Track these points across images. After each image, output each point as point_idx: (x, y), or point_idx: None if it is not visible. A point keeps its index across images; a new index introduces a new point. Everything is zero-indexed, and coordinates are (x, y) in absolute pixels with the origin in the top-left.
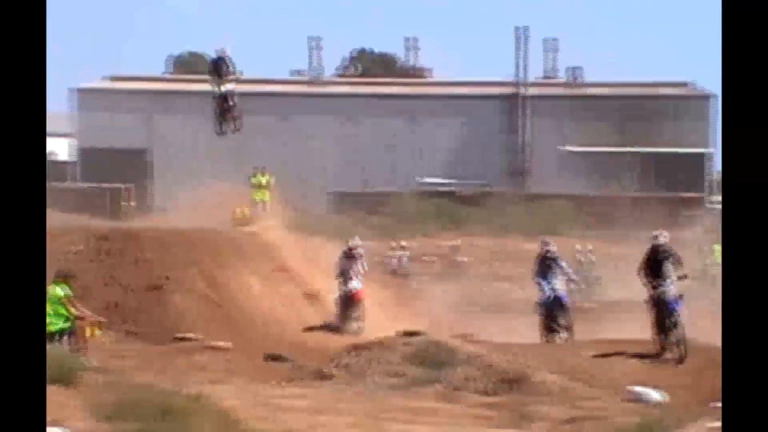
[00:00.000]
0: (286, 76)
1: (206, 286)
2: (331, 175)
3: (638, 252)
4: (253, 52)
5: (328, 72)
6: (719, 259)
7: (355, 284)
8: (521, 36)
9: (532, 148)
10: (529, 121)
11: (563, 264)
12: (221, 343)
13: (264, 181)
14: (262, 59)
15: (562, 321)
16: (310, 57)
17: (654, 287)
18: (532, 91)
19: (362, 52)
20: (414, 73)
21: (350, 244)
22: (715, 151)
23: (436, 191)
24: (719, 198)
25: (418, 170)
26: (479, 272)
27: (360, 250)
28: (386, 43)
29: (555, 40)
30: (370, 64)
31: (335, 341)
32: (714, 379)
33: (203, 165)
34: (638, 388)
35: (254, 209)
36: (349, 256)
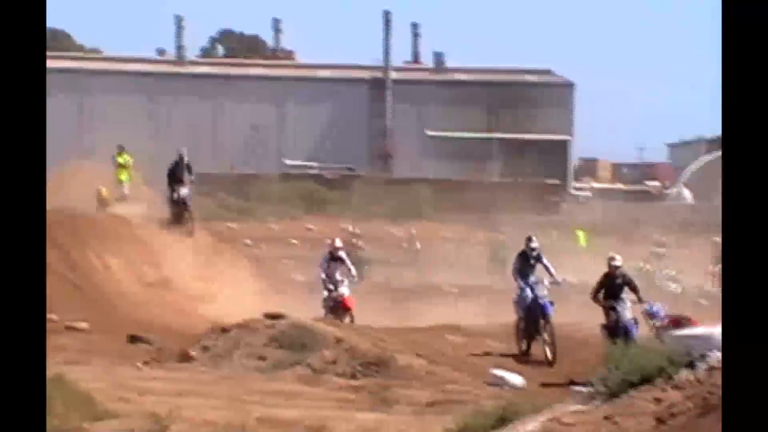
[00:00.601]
0: (152, 56)
1: (66, 267)
2: (196, 156)
3: (497, 236)
4: (118, 29)
5: (194, 52)
6: (583, 243)
7: (343, 290)
8: (387, 20)
9: (397, 133)
10: (394, 106)
11: (546, 262)
12: (81, 324)
13: (122, 161)
14: (127, 38)
15: (544, 332)
16: (177, 36)
17: (611, 309)
18: (398, 75)
19: (228, 33)
20: (280, 55)
21: (336, 244)
22: (575, 138)
23: (302, 174)
24: (580, 185)
25: (284, 153)
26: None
27: (342, 253)
28: (253, 24)
29: (419, 25)
30: (236, 45)
31: (199, 324)
32: (573, 365)
33: (70, 143)
34: (500, 372)
35: (118, 189)
36: (335, 258)
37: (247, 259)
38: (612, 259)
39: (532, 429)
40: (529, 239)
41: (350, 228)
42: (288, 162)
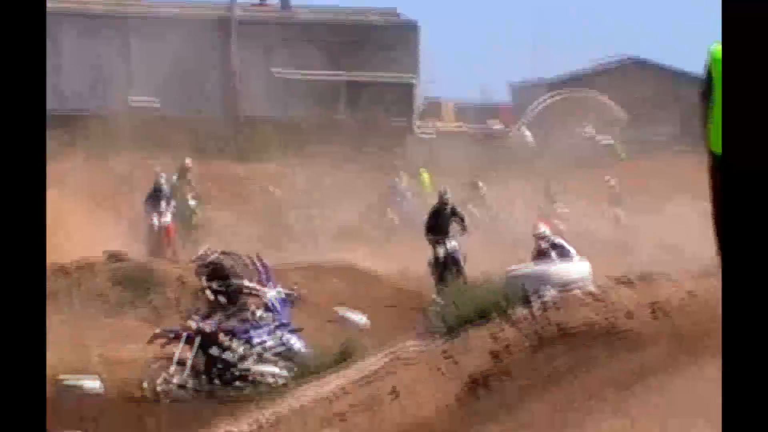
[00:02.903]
0: None
1: None
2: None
3: (345, 176)
4: None
5: None
6: (426, 185)
7: (166, 220)
8: None
9: (244, 73)
10: (241, 45)
11: (461, 213)
12: None
13: None
14: None
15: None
16: None
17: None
18: (244, 15)
19: None
20: None
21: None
22: (421, 78)
23: (148, 113)
24: (424, 125)
25: (129, 92)
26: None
27: (164, 183)
28: None
29: None
30: None
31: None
32: (416, 300)
33: None
34: (342, 311)
35: None
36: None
37: (88, 198)
38: (444, 192)
39: (373, 366)
40: (444, 192)
41: (188, 162)
42: (133, 101)
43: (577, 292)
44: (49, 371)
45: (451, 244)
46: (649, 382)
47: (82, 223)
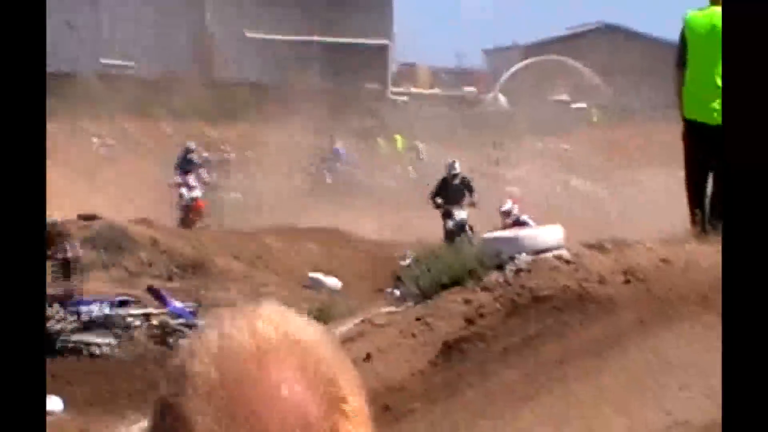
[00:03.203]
0: None
1: None
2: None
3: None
4: None
5: None
6: (400, 147)
7: (196, 194)
8: None
9: (217, 34)
10: (214, 6)
11: (470, 184)
12: None
13: None
14: None
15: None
16: None
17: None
18: None
19: None
20: None
21: (190, 147)
22: (392, 43)
23: (119, 74)
24: (398, 89)
25: (101, 52)
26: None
27: (195, 156)
28: None
29: None
30: None
31: None
32: (387, 267)
33: None
34: (316, 275)
35: None
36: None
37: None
38: (451, 165)
39: (346, 330)
40: (452, 165)
41: (167, 130)
42: (104, 61)
43: (550, 257)
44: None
45: (461, 215)
46: (622, 347)
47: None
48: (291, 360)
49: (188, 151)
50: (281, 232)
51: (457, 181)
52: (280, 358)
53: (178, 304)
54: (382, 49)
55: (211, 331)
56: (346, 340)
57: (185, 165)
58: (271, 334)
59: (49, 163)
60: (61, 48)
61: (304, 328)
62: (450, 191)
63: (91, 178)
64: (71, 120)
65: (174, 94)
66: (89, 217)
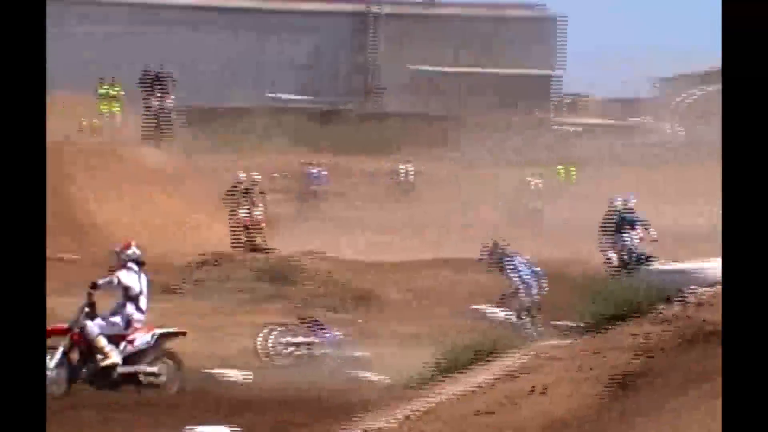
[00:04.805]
0: None
1: (52, 196)
2: (179, 88)
3: (484, 172)
4: None
5: None
6: (564, 178)
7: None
8: None
9: (382, 67)
10: (380, 40)
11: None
12: (66, 255)
13: (114, 92)
14: None
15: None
16: None
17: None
18: (385, 9)
19: None
20: None
21: (240, 177)
22: (563, 73)
23: (287, 108)
24: (564, 120)
25: (268, 87)
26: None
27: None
28: None
29: None
30: None
31: (185, 256)
32: (562, 295)
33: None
34: (483, 306)
35: (102, 121)
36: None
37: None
38: (612, 200)
39: (513, 362)
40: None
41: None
42: (271, 96)
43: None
44: (191, 361)
45: (621, 244)
46: None
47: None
48: None
49: (243, 181)
50: (450, 263)
51: (616, 217)
52: None
53: (335, 333)
54: (547, 79)
55: None
56: (514, 373)
57: (244, 194)
58: None
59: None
60: (228, 83)
61: None
62: (610, 225)
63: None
64: (233, 151)
65: (338, 126)
66: (260, 249)
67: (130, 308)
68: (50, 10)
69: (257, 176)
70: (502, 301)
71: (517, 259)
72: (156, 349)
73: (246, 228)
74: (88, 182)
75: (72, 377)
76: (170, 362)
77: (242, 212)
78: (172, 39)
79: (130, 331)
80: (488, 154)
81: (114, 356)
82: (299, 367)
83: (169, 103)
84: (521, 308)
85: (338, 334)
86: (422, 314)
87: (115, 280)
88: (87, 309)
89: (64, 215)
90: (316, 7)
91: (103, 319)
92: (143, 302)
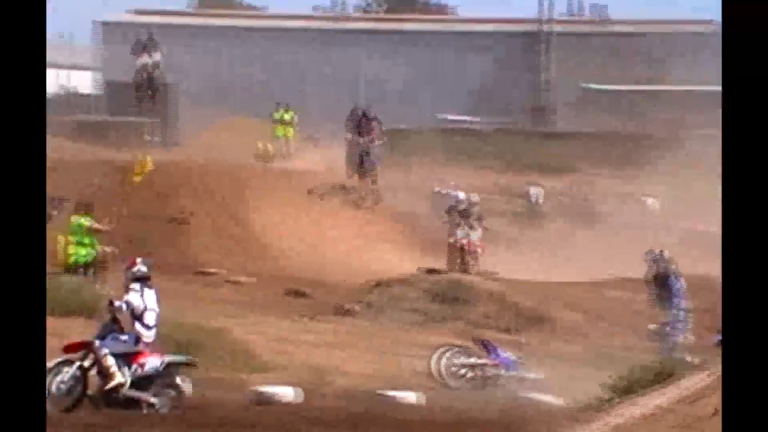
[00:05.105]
0: (309, 13)
1: (228, 219)
2: (347, 112)
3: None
4: None
5: (350, 9)
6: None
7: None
8: None
9: (555, 86)
10: (552, 59)
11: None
12: (243, 278)
13: (288, 117)
14: None
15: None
16: None
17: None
18: (556, 28)
19: None
20: (436, 9)
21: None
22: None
23: (458, 128)
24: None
25: (438, 108)
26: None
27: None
28: None
29: None
30: (393, 1)
31: (355, 278)
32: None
33: (226, 101)
34: (655, 326)
35: (277, 145)
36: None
37: (401, 214)
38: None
39: (691, 385)
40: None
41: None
42: (444, 116)
43: None
44: (364, 381)
45: None
46: None
47: (398, 237)
48: None
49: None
50: (625, 284)
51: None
52: None
53: (505, 354)
54: (715, 95)
55: None
56: (691, 396)
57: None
58: None
59: (390, 216)
60: (401, 105)
61: None
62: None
63: (429, 232)
64: (405, 172)
65: (510, 146)
66: (431, 271)
67: (137, 325)
68: (224, 39)
69: (475, 197)
70: (654, 335)
71: (683, 283)
72: (164, 377)
73: (462, 249)
74: (261, 205)
75: (83, 393)
76: (172, 392)
77: (460, 233)
78: (347, 63)
79: (140, 346)
80: (662, 173)
81: (118, 377)
82: (473, 389)
83: (376, 144)
84: (668, 348)
85: (511, 355)
86: (594, 335)
87: (124, 306)
88: (112, 324)
89: (235, 236)
90: (488, 28)
91: (114, 338)
92: (150, 318)
